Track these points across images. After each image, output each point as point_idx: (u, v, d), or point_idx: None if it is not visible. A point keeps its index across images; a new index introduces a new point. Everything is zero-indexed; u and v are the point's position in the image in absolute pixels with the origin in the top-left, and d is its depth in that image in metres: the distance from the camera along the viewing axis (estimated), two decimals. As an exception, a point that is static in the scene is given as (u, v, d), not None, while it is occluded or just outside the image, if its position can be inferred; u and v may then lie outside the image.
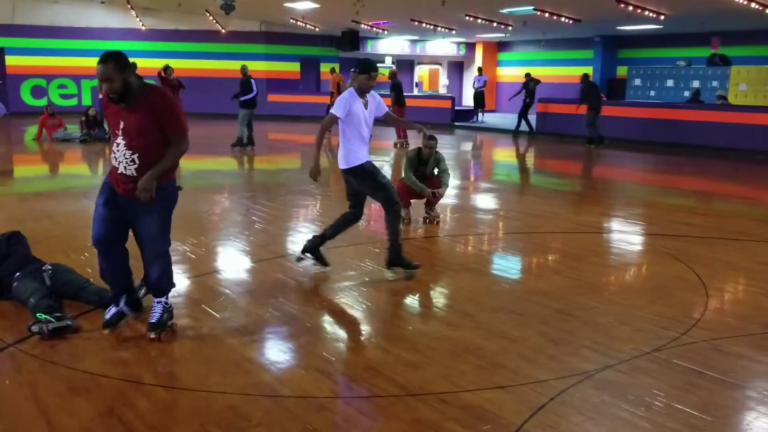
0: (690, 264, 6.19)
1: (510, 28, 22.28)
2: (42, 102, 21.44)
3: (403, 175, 7.70)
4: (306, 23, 22.33)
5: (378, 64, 5.95)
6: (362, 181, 5.51)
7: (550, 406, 3.48)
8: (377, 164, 5.68)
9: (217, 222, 8.02)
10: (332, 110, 5.38)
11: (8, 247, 5.10)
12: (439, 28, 23.13)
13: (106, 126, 16.67)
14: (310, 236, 5.99)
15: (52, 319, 4.27)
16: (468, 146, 18.55)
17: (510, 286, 5.79)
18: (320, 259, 5.81)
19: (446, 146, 15.67)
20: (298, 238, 7.05)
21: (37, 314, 4.34)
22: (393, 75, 17.15)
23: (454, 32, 24.39)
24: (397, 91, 16.69)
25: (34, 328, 4.26)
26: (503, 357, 4.08)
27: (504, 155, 17.12)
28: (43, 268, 4.88)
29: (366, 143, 5.53)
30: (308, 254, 5.82)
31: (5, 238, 5.19)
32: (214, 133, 18.60)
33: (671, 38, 23.23)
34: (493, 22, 21.27)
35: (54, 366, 3.90)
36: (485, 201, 9.92)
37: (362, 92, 5.45)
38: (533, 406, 3.46)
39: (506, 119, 24.73)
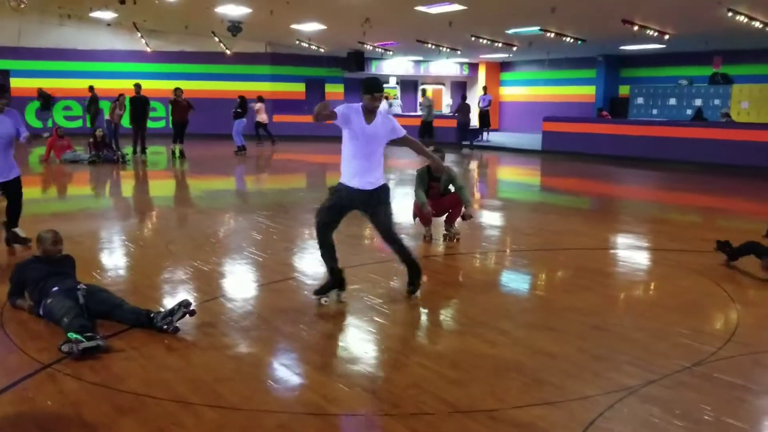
0: (715, 279, 6.19)
1: (515, 48, 22.41)
2: (47, 124, 21.51)
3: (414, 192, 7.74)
4: (312, 44, 22.46)
5: (384, 85, 5.76)
6: None
7: (600, 421, 3.47)
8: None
9: (239, 241, 7.92)
10: (336, 108, 5.14)
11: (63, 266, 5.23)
12: (444, 49, 23.27)
13: (114, 146, 16.68)
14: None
15: (83, 339, 4.23)
16: (475, 165, 18.59)
17: (542, 302, 5.78)
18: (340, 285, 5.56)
19: (456, 165, 15.69)
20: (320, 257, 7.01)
21: (69, 333, 4.32)
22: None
23: (458, 53, 24.54)
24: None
25: (64, 348, 4.24)
26: (547, 373, 4.07)
27: (513, 173, 17.15)
28: (78, 287, 4.87)
29: (360, 161, 5.29)
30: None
31: (66, 258, 5.35)
32: (224, 154, 18.66)
33: (673, 57, 23.41)
34: (499, 42, 21.40)
35: (95, 387, 3.86)
36: (502, 218, 9.93)
37: (368, 111, 5.25)
38: (584, 422, 3.44)
39: (511, 138, 24.85)
